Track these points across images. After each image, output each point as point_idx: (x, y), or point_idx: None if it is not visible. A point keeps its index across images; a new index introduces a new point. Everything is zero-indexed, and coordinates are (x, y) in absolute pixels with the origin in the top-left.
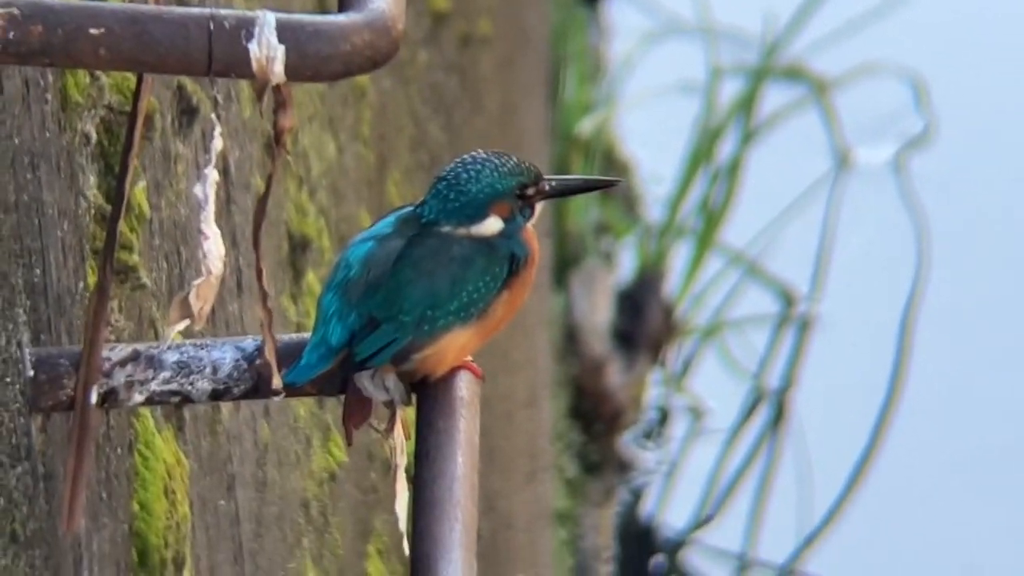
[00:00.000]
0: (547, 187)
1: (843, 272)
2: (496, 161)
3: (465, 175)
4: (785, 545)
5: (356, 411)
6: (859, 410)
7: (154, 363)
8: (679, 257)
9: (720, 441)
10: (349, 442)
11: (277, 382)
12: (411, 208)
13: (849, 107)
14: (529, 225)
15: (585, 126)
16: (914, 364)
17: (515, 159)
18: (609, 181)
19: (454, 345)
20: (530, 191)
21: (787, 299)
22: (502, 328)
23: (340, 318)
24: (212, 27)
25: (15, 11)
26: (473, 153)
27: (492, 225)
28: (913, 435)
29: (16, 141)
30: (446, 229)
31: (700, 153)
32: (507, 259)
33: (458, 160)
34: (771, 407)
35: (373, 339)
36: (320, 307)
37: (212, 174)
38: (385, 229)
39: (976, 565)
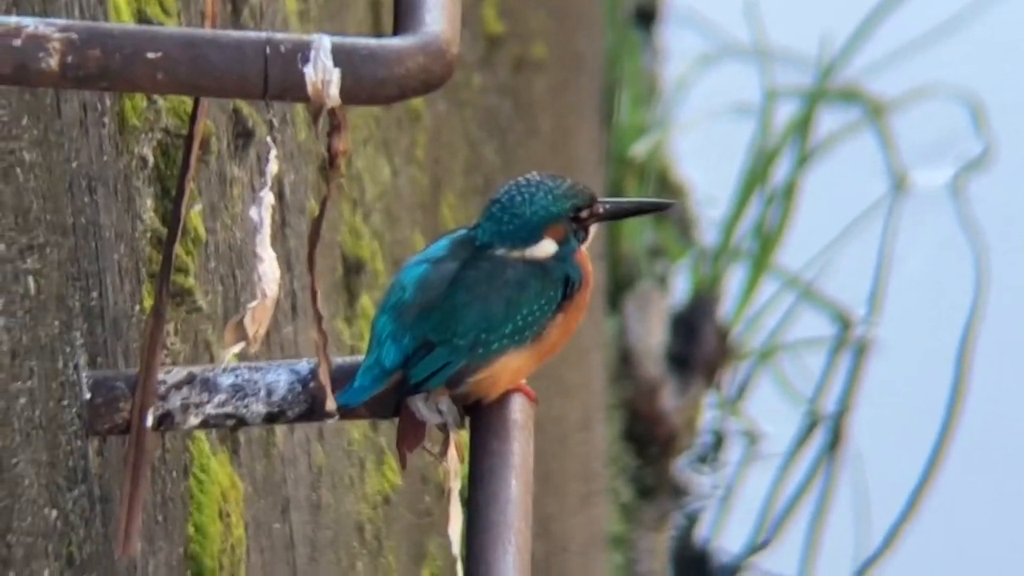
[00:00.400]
0: (601, 210)
1: (900, 296)
2: (550, 184)
3: (519, 198)
4: (842, 571)
5: (410, 434)
6: (917, 435)
7: (209, 386)
8: (734, 280)
9: (776, 465)
10: (403, 465)
11: (331, 405)
12: (465, 231)
13: (906, 129)
14: (583, 248)
15: (639, 149)
16: (972, 388)
17: (569, 182)
18: (662, 203)
19: (508, 368)
20: (584, 214)
21: (843, 322)
22: (557, 351)
23: (394, 340)
24: (268, 51)
25: (73, 36)
26: (527, 176)
27: (546, 248)
28: (971, 460)
29: (74, 165)
30: (500, 252)
31: (755, 176)
32: (562, 282)
33: (512, 183)
34: (827, 431)
35: (427, 362)
36: (374, 329)
37: (267, 197)
38: (439, 252)
39: None
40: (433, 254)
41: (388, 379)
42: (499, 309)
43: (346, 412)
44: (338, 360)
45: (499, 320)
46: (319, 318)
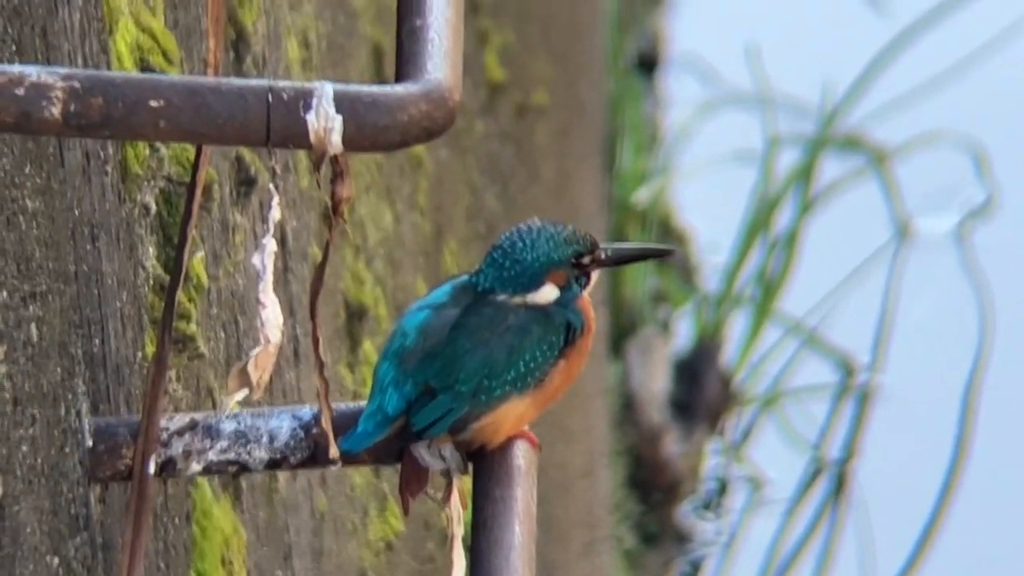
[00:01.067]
0: (603, 256)
1: (905, 342)
2: (551, 230)
3: (521, 244)
4: None
5: (413, 480)
6: (922, 482)
7: (212, 432)
8: (737, 327)
9: (780, 512)
10: (406, 511)
11: (334, 451)
12: (467, 277)
13: (909, 177)
14: (585, 294)
15: (641, 195)
16: (977, 435)
17: (571, 228)
18: (665, 250)
19: (511, 415)
20: (586, 260)
21: (847, 369)
22: (559, 397)
23: (396, 386)
24: (271, 99)
25: (76, 84)
26: (529, 222)
27: (548, 293)
28: (977, 507)
29: (76, 212)
30: (502, 298)
31: (757, 223)
32: (564, 328)
33: (514, 229)
34: (832, 478)
35: (430, 409)
36: (376, 375)
37: (270, 244)
38: (441, 298)
39: None
40: (435, 300)
41: (391, 425)
42: (501, 355)
43: (349, 458)
44: (340, 406)
45: (501, 366)
46: (321, 364)
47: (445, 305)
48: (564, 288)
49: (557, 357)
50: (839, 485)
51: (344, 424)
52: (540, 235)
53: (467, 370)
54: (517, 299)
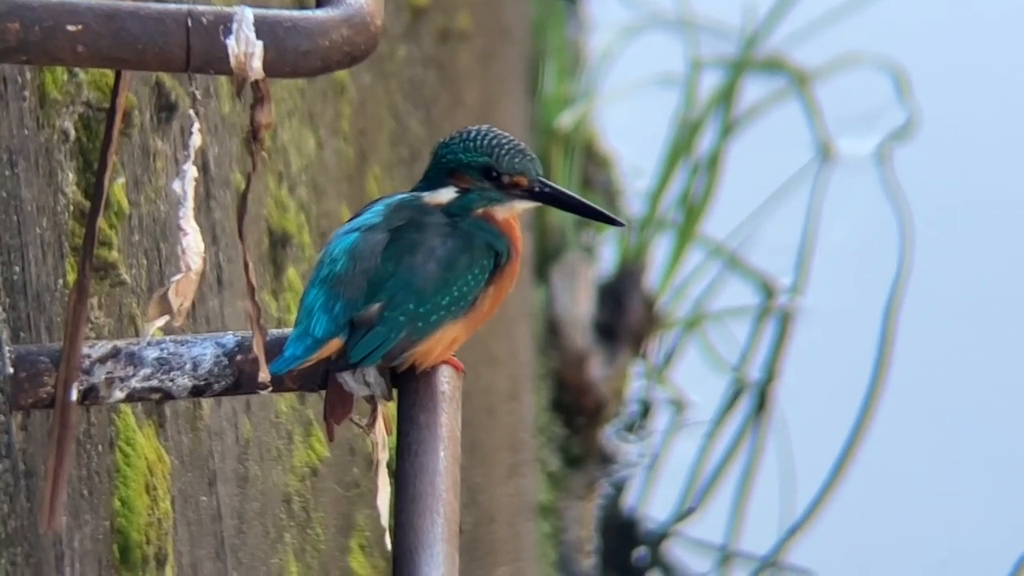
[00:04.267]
0: (536, 188)
1: (826, 263)
2: (477, 136)
3: (444, 140)
4: (768, 537)
5: (337, 407)
6: (842, 401)
7: (134, 360)
8: (660, 250)
9: (702, 433)
10: (331, 438)
11: (264, 375)
12: (401, 195)
13: (830, 99)
14: (504, 214)
15: (565, 120)
16: (897, 354)
17: (509, 144)
18: (614, 219)
19: (445, 339)
20: (505, 180)
21: (768, 291)
22: (487, 320)
23: (325, 311)
24: (190, 23)
25: None
26: (477, 126)
27: (444, 194)
28: (896, 426)
29: None
30: (423, 198)
31: (680, 146)
32: (491, 251)
33: (458, 130)
34: (753, 399)
35: (367, 340)
36: (304, 302)
37: (191, 170)
38: (372, 219)
39: (957, 555)
40: (364, 221)
41: (319, 348)
42: (434, 283)
43: (274, 385)
44: (267, 333)
45: (436, 293)
46: (252, 289)
47: (375, 227)
48: (463, 193)
49: (488, 281)
50: (760, 406)
51: (270, 351)
52: (464, 136)
53: (402, 298)
54: (426, 197)
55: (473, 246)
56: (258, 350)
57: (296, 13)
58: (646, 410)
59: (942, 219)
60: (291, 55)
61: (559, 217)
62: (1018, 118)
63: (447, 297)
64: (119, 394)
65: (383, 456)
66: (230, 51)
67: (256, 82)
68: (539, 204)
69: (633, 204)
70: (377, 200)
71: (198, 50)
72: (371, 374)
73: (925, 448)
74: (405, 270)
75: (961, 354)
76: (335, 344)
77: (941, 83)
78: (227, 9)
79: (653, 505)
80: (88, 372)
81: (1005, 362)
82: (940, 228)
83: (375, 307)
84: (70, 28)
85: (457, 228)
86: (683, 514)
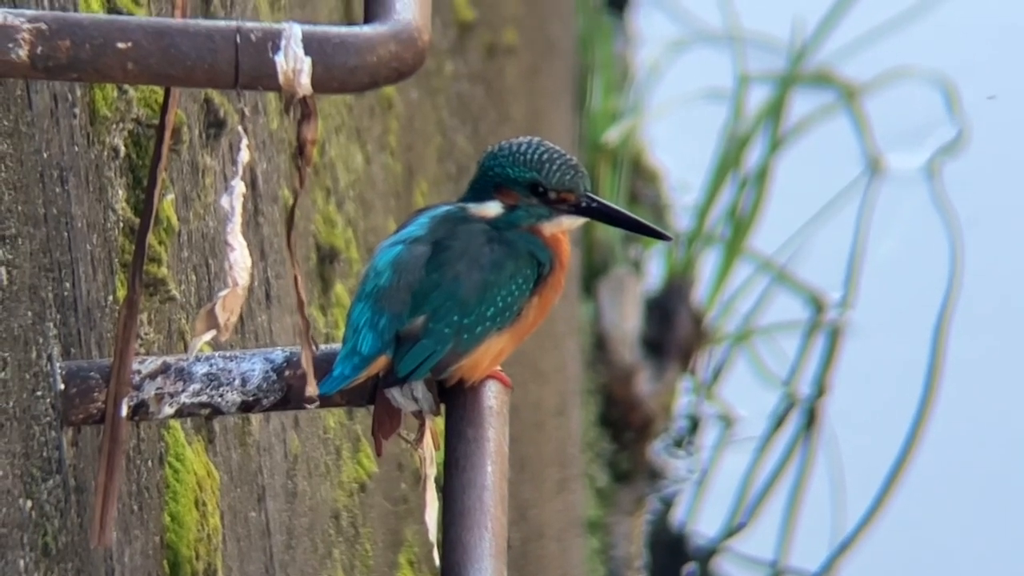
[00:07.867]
0: (583, 203)
1: (875, 278)
2: (528, 149)
3: (491, 152)
4: (818, 553)
5: (385, 422)
6: (893, 417)
7: (184, 375)
8: (708, 264)
9: (751, 449)
10: (379, 452)
11: (312, 390)
12: (447, 207)
13: (879, 113)
14: (551, 230)
15: (612, 135)
16: (948, 370)
17: (560, 158)
18: (662, 233)
19: (491, 351)
20: (552, 195)
21: (817, 305)
22: (532, 332)
23: (371, 327)
24: (239, 40)
25: (43, 26)
26: (529, 138)
27: (490, 208)
28: (947, 442)
29: (45, 155)
30: (469, 209)
31: (728, 160)
32: (534, 261)
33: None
34: (802, 414)
35: (414, 354)
36: (350, 318)
37: (239, 186)
38: (416, 231)
39: (1009, 574)
40: (408, 234)
41: (367, 366)
42: (478, 292)
43: (322, 400)
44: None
45: (479, 303)
46: (302, 303)
47: (419, 239)
48: (510, 209)
49: (532, 292)
50: (810, 421)
51: (318, 367)
52: (512, 149)
53: (447, 310)
54: (471, 208)
55: (516, 256)
56: (307, 365)
57: (344, 29)
58: (695, 425)
59: (992, 233)
60: (339, 71)
61: (606, 232)
62: None
63: (491, 308)
64: (168, 410)
65: (431, 471)
66: (279, 67)
67: (303, 98)
68: (587, 219)
69: (681, 219)
70: (421, 211)
71: (247, 67)
72: (419, 389)
73: (976, 464)
74: (449, 281)
75: (1013, 369)
76: (382, 361)
77: (991, 97)
78: (276, 25)
79: (702, 521)
80: (138, 388)
81: None
82: (990, 242)
83: (420, 320)
84: (120, 46)
85: (500, 238)
86: (732, 530)
